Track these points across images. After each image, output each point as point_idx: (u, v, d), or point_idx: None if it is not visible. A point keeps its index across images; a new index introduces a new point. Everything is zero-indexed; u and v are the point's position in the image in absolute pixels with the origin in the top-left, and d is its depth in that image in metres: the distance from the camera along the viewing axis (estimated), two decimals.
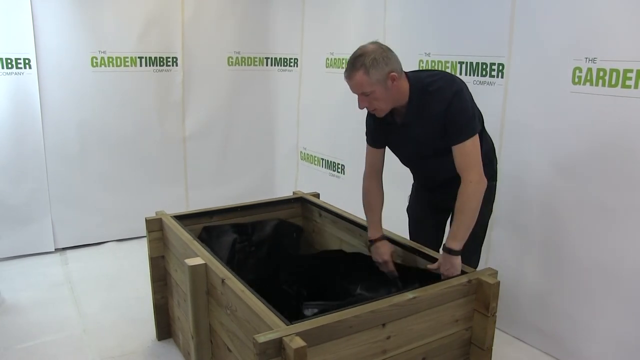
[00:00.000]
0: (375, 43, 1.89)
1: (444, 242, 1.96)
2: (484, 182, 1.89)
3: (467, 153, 1.88)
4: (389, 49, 1.88)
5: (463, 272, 1.89)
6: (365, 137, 2.17)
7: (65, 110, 3.62)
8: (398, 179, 2.37)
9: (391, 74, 1.84)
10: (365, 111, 2.04)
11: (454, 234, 1.89)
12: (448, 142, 1.91)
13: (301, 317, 1.80)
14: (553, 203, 2.42)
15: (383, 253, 2.10)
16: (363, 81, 1.83)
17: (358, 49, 1.87)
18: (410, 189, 2.42)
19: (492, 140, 2.22)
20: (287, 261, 2.40)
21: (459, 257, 1.88)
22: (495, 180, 2.20)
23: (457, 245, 1.87)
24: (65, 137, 3.67)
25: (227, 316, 1.84)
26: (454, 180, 1.92)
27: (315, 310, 1.81)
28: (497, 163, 2.25)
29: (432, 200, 2.30)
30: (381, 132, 2.09)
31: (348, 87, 1.92)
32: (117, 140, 3.86)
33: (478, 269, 1.94)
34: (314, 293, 2.17)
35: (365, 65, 1.81)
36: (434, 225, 2.33)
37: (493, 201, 2.22)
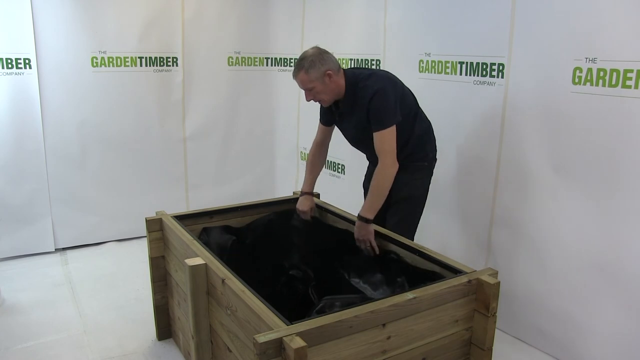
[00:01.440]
0: (315, 47, 2.30)
1: (360, 212, 2.28)
2: (396, 166, 2.26)
3: (383, 140, 2.24)
4: (325, 52, 2.28)
5: (463, 272, 1.89)
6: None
7: (65, 110, 3.62)
8: None
9: (327, 72, 2.24)
10: None
11: (369, 206, 2.26)
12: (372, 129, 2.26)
13: (309, 301, 1.86)
14: (553, 203, 2.42)
15: (304, 205, 2.59)
16: (304, 79, 2.25)
17: (301, 53, 2.29)
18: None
19: (428, 124, 2.52)
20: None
21: (372, 225, 2.25)
22: (431, 160, 2.51)
23: (371, 215, 2.25)
24: (66, 137, 3.67)
25: (228, 316, 1.84)
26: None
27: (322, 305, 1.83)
28: (435, 144, 2.53)
29: None
30: (329, 116, 2.54)
31: None
32: (117, 140, 3.86)
33: (478, 269, 1.94)
34: (320, 277, 2.25)
35: (305, 66, 2.23)
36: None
37: (430, 177, 2.54)
